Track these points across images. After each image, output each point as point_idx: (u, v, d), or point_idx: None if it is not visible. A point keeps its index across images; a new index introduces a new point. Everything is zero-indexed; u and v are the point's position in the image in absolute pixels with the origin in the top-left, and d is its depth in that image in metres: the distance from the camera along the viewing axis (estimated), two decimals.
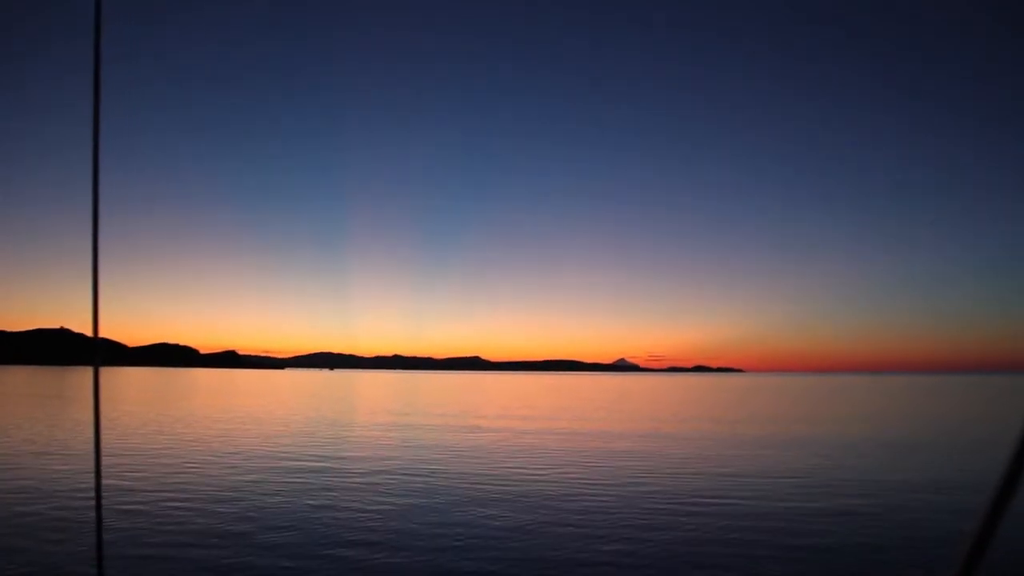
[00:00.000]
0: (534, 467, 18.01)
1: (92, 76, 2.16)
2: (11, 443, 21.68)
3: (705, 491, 14.67)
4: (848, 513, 12.64)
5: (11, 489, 14.02)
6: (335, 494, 13.82)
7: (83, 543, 9.99)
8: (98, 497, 2.30)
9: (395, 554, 9.55)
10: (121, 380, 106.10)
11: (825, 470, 17.87)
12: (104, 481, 14.01)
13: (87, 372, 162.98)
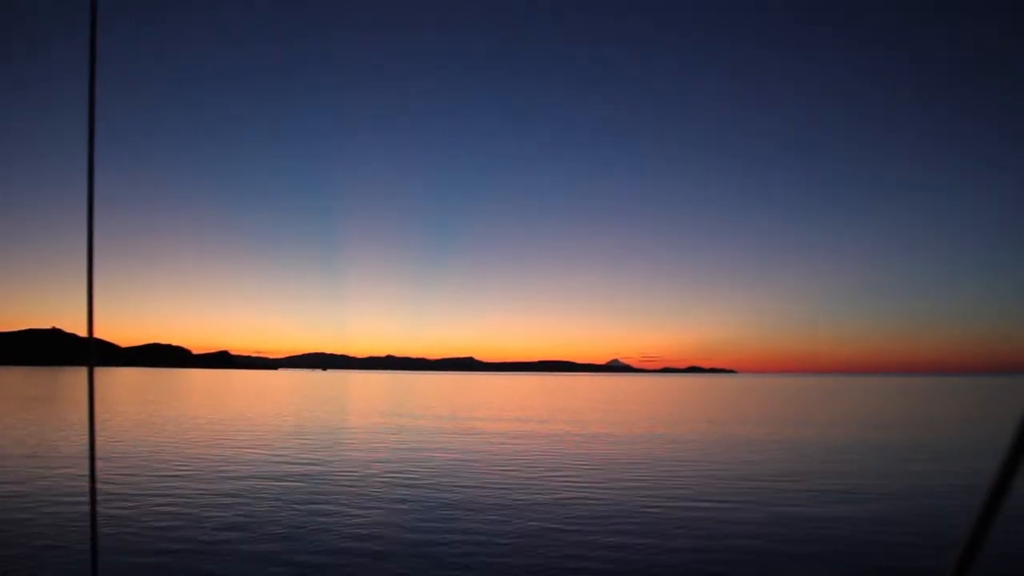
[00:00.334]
0: (526, 469, 18.04)
1: (88, 76, 2.15)
2: (4, 445, 21.61)
3: (699, 493, 14.61)
4: (842, 515, 12.68)
5: (4, 492, 13.97)
6: (327, 497, 13.81)
7: (78, 545, 9.96)
8: (92, 499, 2.29)
9: (386, 557, 9.51)
10: (113, 381, 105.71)
11: (819, 472, 17.95)
12: (98, 483, 13.83)
13: (79, 372, 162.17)
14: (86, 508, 12.50)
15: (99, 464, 17.65)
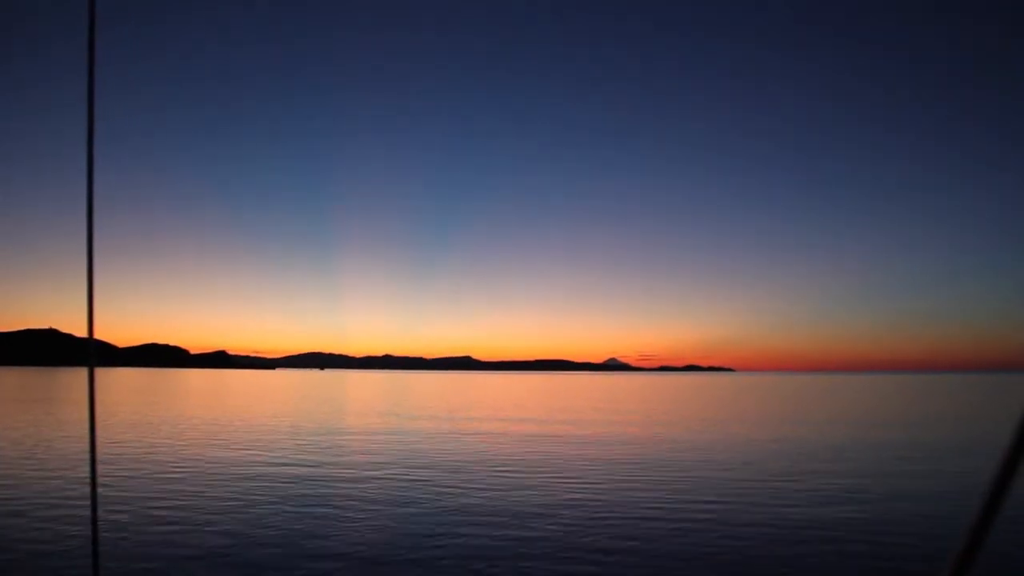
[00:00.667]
0: (524, 470, 18.12)
1: (86, 77, 2.13)
2: (2, 447, 21.66)
3: (699, 494, 14.68)
4: (840, 515, 12.73)
5: (3, 494, 14.00)
6: (326, 499, 13.87)
7: (79, 546, 9.99)
8: (93, 500, 2.30)
9: (385, 558, 9.51)
10: (111, 381, 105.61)
11: (817, 472, 18.04)
12: (97, 483, 13.90)
13: (76, 373, 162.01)
14: (86, 509, 12.50)
15: (99, 465, 17.70)
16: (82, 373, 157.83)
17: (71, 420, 32.01)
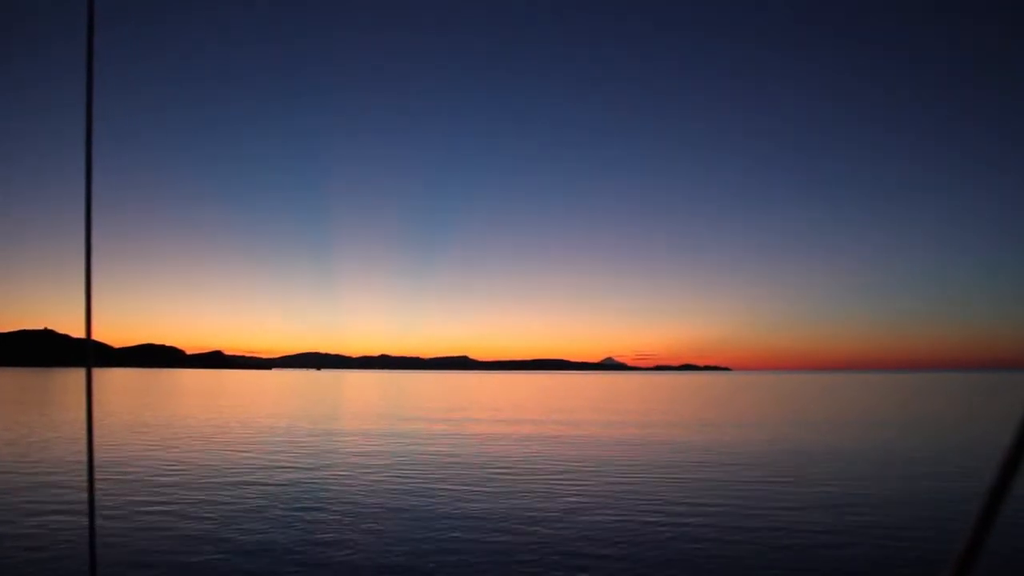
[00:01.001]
0: (523, 470, 18.12)
1: (85, 76, 2.12)
2: (2, 447, 21.60)
3: (698, 494, 14.73)
4: (838, 515, 12.75)
5: (3, 493, 13.97)
6: (325, 500, 13.88)
7: (75, 548, 9.99)
8: (91, 501, 2.29)
9: (384, 559, 9.47)
10: (107, 381, 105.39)
11: (816, 471, 18.05)
12: (95, 484, 13.83)
13: (72, 373, 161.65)
14: (83, 510, 12.51)
15: (96, 466, 17.64)
16: (78, 374, 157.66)
17: (67, 421, 31.91)
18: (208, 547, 10.06)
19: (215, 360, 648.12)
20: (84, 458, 19.53)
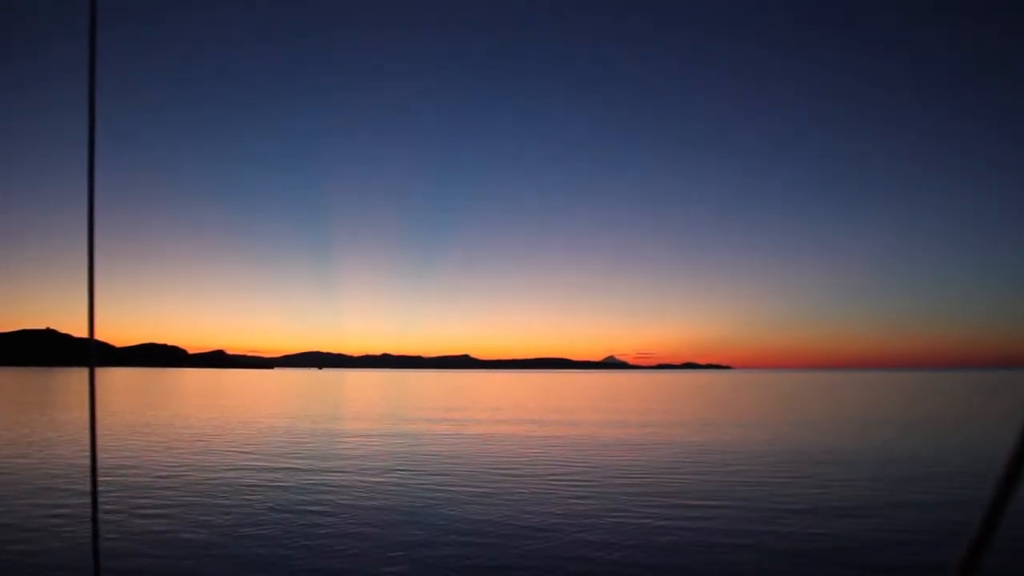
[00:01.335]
0: (523, 470, 18.15)
1: (87, 76, 2.10)
2: (2, 447, 21.64)
3: (696, 494, 14.76)
4: (839, 514, 12.76)
5: (3, 493, 14.01)
6: (326, 500, 13.91)
7: (79, 545, 10.07)
8: (94, 499, 2.27)
9: (376, 560, 9.44)
10: (109, 381, 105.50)
11: (815, 470, 18.08)
12: (98, 483, 13.81)
13: (74, 373, 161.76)
14: (87, 509, 12.51)
15: (99, 466, 17.68)
16: (80, 373, 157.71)
17: (69, 420, 31.98)
18: (210, 547, 10.06)
19: (217, 360, 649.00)
20: (87, 458, 19.59)
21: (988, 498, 1.05)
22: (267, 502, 13.45)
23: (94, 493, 2.28)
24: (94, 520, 2.27)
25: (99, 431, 27.12)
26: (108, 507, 12.79)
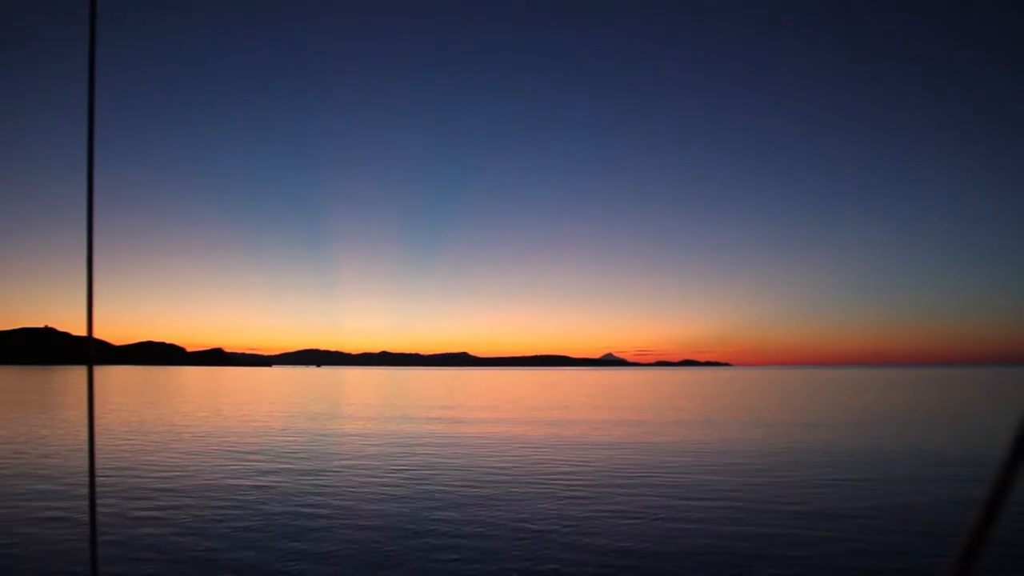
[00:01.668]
0: (523, 470, 18.34)
1: (87, 75, 2.07)
2: (0, 446, 21.79)
3: (697, 494, 14.89)
4: (839, 513, 12.75)
5: (2, 492, 14.12)
6: (321, 499, 14.04)
7: (77, 544, 10.06)
8: (92, 498, 2.25)
9: (374, 560, 9.45)
10: (108, 379, 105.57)
11: (816, 469, 18.27)
12: (96, 482, 13.90)
13: (73, 371, 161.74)
14: (85, 508, 12.45)
15: (97, 464, 17.85)
16: (79, 371, 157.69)
17: (68, 419, 32.12)
18: (209, 546, 10.03)
19: (215, 357, 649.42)
20: (85, 456, 19.76)
21: (982, 499, 1.05)
22: (264, 502, 13.53)
23: (92, 491, 2.27)
24: (91, 517, 2.25)
25: (97, 429, 27.27)
26: (105, 506, 12.82)
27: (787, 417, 35.26)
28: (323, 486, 15.13)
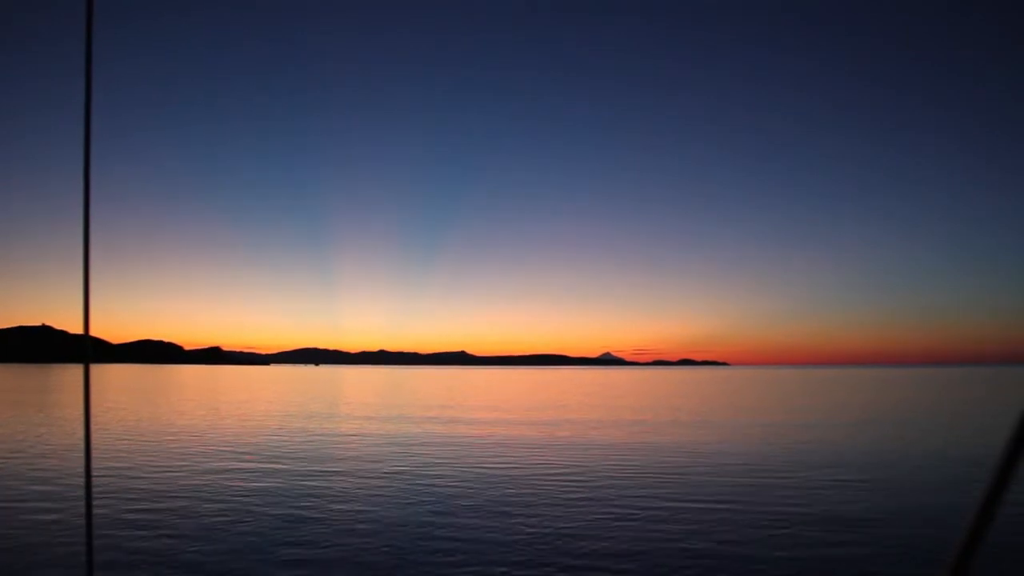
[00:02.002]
0: (524, 469, 18.30)
1: (84, 73, 2.08)
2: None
3: (696, 495, 14.87)
4: (840, 512, 12.80)
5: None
6: (320, 499, 14.06)
7: (72, 543, 10.07)
8: (88, 497, 2.26)
9: (372, 560, 9.45)
10: (105, 378, 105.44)
11: (816, 467, 18.23)
12: (92, 481, 13.84)
13: (70, 369, 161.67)
14: (80, 507, 12.48)
15: (93, 463, 17.78)
16: (76, 369, 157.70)
17: (64, 417, 32.04)
18: (205, 547, 10.03)
19: (213, 356, 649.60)
20: (82, 455, 19.68)
21: (979, 497, 1.05)
22: (261, 503, 13.52)
23: (88, 489, 2.27)
24: (88, 516, 2.25)
25: (94, 428, 27.21)
26: (102, 506, 12.85)
27: (785, 417, 35.24)
28: (320, 487, 15.07)
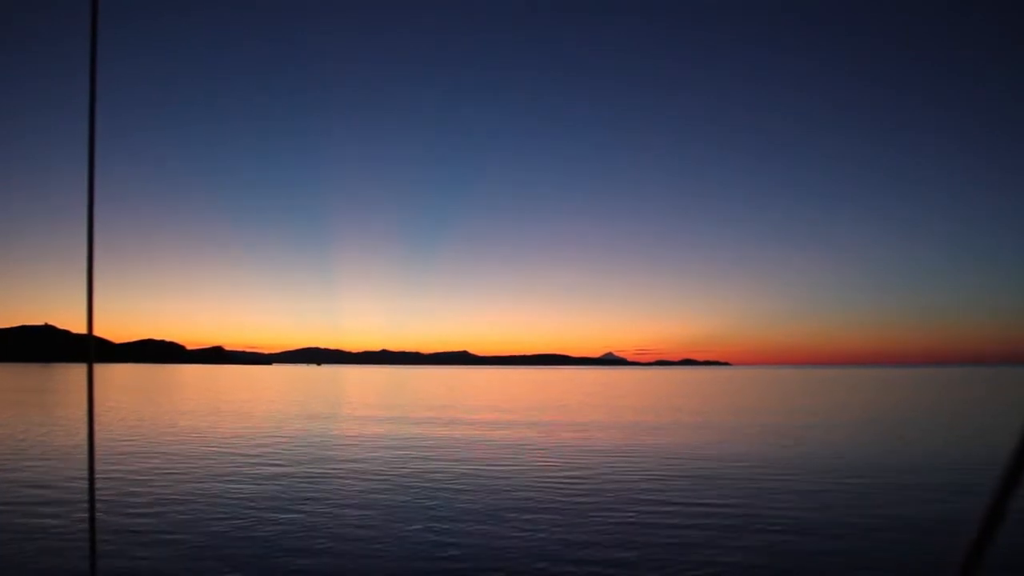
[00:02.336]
0: (523, 469, 18.35)
1: (88, 73, 2.07)
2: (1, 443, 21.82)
3: (689, 492, 14.90)
4: (841, 511, 12.78)
5: (1, 491, 14.12)
6: (319, 498, 14.08)
7: (76, 542, 10.09)
8: (91, 497, 2.30)
9: (381, 561, 9.47)
10: (108, 377, 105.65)
11: (816, 467, 18.28)
12: (95, 480, 13.82)
13: (72, 369, 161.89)
14: (84, 506, 12.50)
15: (96, 462, 17.85)
16: (79, 369, 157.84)
17: (67, 417, 32.14)
18: (208, 547, 10.06)
19: (215, 355, 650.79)
20: (85, 454, 19.77)
21: (990, 496, 1.04)
22: (264, 503, 13.55)
23: (91, 489, 2.26)
24: (91, 515, 2.26)
25: (97, 427, 27.28)
26: (105, 505, 12.84)
27: (785, 417, 35.28)
28: (321, 488, 15.14)
